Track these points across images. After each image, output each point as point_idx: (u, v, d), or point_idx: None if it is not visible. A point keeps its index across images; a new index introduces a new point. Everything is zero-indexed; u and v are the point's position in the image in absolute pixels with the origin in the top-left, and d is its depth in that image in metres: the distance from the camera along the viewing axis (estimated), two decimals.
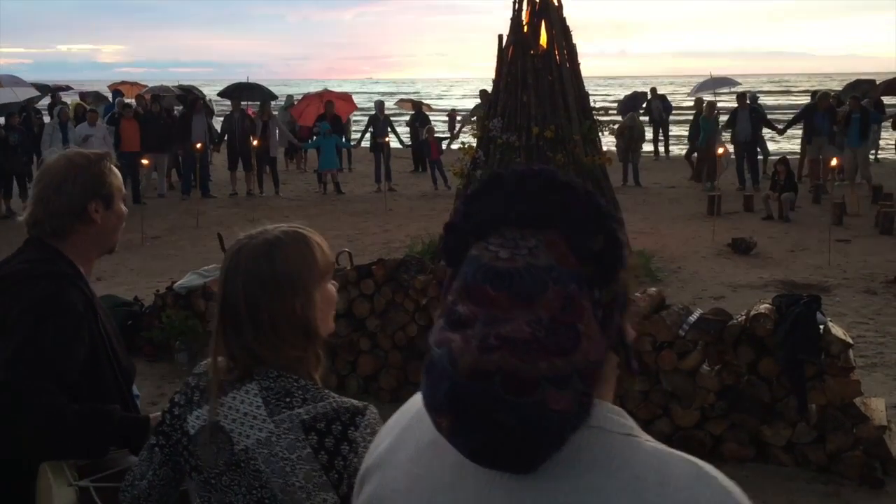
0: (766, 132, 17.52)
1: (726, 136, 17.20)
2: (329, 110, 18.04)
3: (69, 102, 21.01)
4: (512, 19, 8.77)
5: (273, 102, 20.91)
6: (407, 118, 22.86)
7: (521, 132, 8.45)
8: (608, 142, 12.06)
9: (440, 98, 71.64)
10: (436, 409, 1.00)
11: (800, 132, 17.76)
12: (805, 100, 24.01)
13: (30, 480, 2.10)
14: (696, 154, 17.98)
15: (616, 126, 15.76)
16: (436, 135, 19.03)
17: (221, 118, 18.70)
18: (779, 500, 4.61)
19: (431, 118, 21.19)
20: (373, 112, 19.47)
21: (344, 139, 18.70)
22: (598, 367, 0.98)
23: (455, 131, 21.80)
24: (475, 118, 13.90)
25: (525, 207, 1.02)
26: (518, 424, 0.94)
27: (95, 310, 2.31)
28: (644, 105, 22.66)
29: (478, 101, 18.71)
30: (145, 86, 26.62)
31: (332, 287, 1.86)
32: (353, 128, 23.38)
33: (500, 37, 8.84)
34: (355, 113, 23.55)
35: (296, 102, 21.99)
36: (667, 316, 5.32)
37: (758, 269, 10.17)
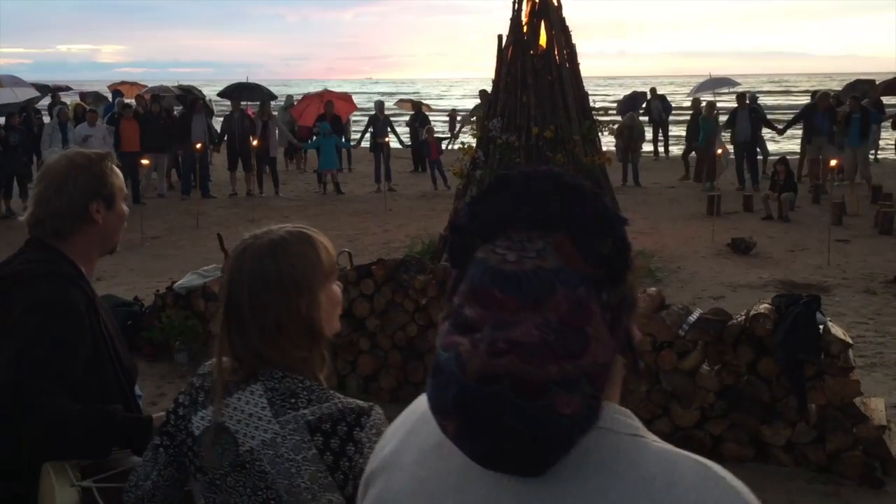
0: (766, 132, 17.53)
1: (726, 136, 17.20)
2: (329, 110, 18.04)
3: (68, 103, 21.02)
4: (511, 19, 8.77)
5: (273, 102, 20.92)
6: (406, 118, 22.87)
7: (521, 132, 8.45)
8: (607, 142, 12.07)
9: (440, 98, 71.64)
10: (442, 413, 0.99)
11: (799, 132, 17.77)
12: (805, 100, 24.02)
13: (32, 481, 2.09)
14: (693, 154, 18.02)
15: (616, 126, 15.79)
16: (436, 135, 19.04)
17: (221, 118, 18.70)
18: (778, 500, 4.61)
19: (431, 118, 21.20)
20: (373, 112, 19.48)
21: (343, 139, 18.71)
22: (606, 369, 0.98)
23: (455, 131, 21.81)
24: (475, 118, 13.91)
25: (532, 209, 1.01)
26: (527, 428, 0.94)
27: (97, 310, 2.31)
28: (644, 105, 22.67)
29: (477, 101, 18.73)
30: (145, 86, 26.63)
31: (336, 287, 1.86)
32: (353, 128, 23.38)
33: (500, 37, 8.84)
34: (355, 113, 23.55)
35: (295, 102, 22.00)
36: (666, 316, 5.33)
37: (757, 269, 10.18)
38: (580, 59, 8.94)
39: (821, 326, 4.99)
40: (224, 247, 7.42)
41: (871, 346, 7.22)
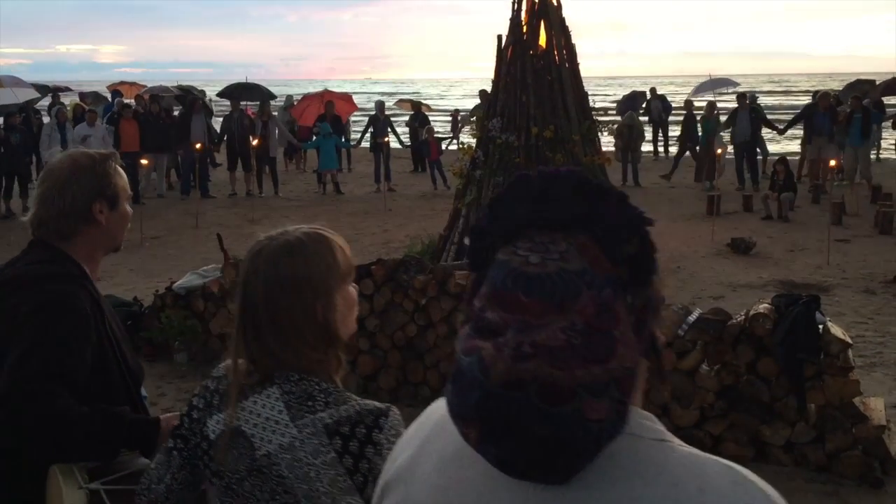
0: (767, 132, 17.54)
1: (727, 136, 17.21)
2: (329, 111, 18.04)
3: (67, 103, 21.01)
4: (511, 19, 8.77)
5: (272, 102, 20.92)
6: (406, 118, 22.88)
7: (521, 132, 8.45)
8: (607, 142, 12.09)
9: (440, 98, 71.65)
10: (464, 419, 0.96)
11: (799, 132, 17.78)
12: (805, 100, 24.03)
13: (40, 483, 2.08)
14: (687, 154, 18.09)
15: (615, 126, 15.79)
16: (436, 135, 19.05)
17: (220, 118, 18.71)
18: None
19: (431, 118, 21.21)
20: (372, 112, 19.49)
21: (343, 139, 18.71)
22: (633, 373, 0.96)
23: (455, 132, 21.83)
24: (474, 118, 13.91)
25: (555, 210, 0.99)
26: (553, 434, 0.91)
27: (102, 311, 2.29)
28: (644, 105, 22.68)
29: (478, 101, 18.74)
30: (144, 86, 26.63)
31: (352, 289, 1.84)
32: (353, 128, 23.38)
33: (500, 37, 8.84)
34: (355, 113, 23.55)
35: (295, 103, 22.00)
36: (666, 316, 5.33)
37: (757, 269, 10.18)
38: (580, 59, 8.94)
39: (820, 326, 4.99)
40: (223, 247, 7.43)
41: (871, 345, 7.22)
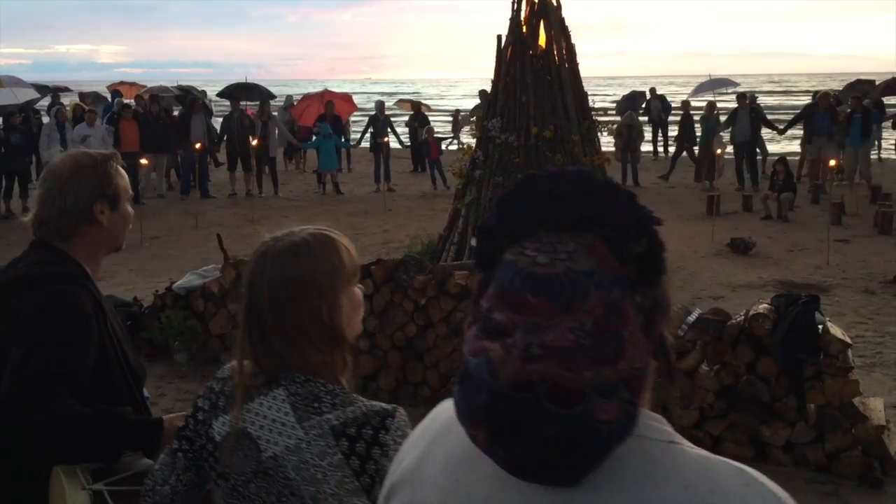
0: (767, 132, 17.55)
1: (726, 136, 17.21)
2: (329, 111, 18.05)
3: (66, 103, 21.00)
4: (511, 19, 8.77)
5: (272, 102, 20.92)
6: (406, 118, 22.88)
7: (520, 132, 8.45)
8: (607, 142, 12.08)
9: (440, 98, 71.65)
10: (472, 421, 0.96)
11: (798, 132, 17.79)
12: (805, 100, 24.03)
13: (43, 484, 2.08)
14: (684, 154, 18.12)
15: (615, 126, 15.78)
16: (435, 135, 19.05)
17: (220, 118, 18.70)
18: None
19: (430, 118, 21.21)
20: (372, 112, 19.49)
21: (343, 139, 18.71)
22: (642, 374, 0.95)
23: (456, 132, 21.85)
24: (474, 118, 13.90)
25: (563, 210, 0.98)
26: (563, 436, 0.91)
27: (104, 311, 2.29)
28: (643, 105, 22.68)
29: (477, 101, 18.74)
30: (144, 86, 26.62)
31: (358, 290, 1.84)
32: (353, 128, 23.38)
33: (499, 37, 8.85)
34: (355, 114, 23.55)
35: (295, 103, 22.00)
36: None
37: (757, 269, 10.18)
38: (579, 59, 8.94)
39: (820, 326, 4.99)
40: (223, 247, 7.43)
41: (871, 345, 7.22)
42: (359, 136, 20.37)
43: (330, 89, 22.62)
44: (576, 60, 8.90)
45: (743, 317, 5.23)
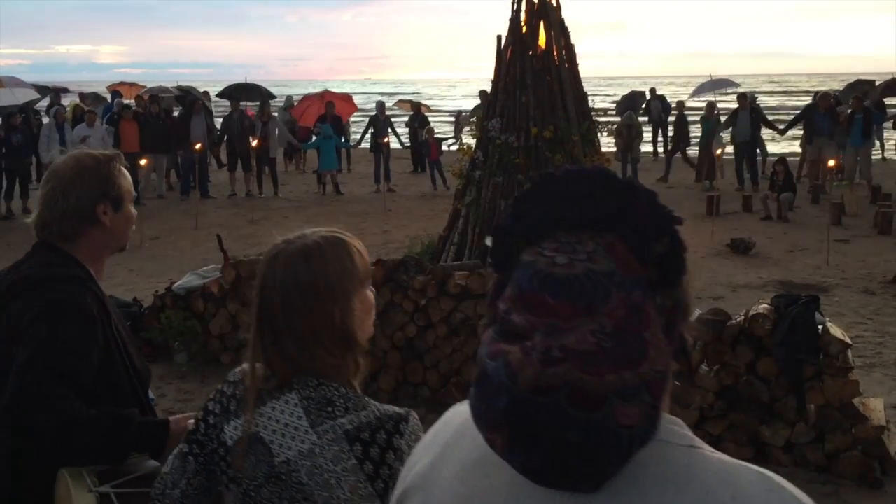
0: (767, 132, 17.55)
1: (726, 136, 17.22)
2: (329, 111, 18.05)
3: (66, 104, 20.99)
4: (511, 20, 8.76)
5: (272, 103, 20.91)
6: (406, 119, 22.89)
7: (520, 133, 8.44)
8: (608, 142, 12.06)
9: (440, 99, 71.66)
10: (490, 425, 0.94)
11: (798, 132, 17.79)
12: (805, 100, 24.03)
13: (48, 486, 2.07)
14: (678, 154, 18.17)
15: (614, 127, 15.78)
16: (436, 135, 19.06)
17: (220, 119, 18.71)
18: None
19: (430, 119, 21.21)
20: (372, 112, 19.50)
21: (343, 140, 18.72)
22: (664, 377, 0.93)
23: (458, 133, 21.87)
24: (474, 119, 13.89)
25: (582, 209, 0.96)
26: (584, 441, 0.89)
27: (108, 313, 2.28)
28: (643, 105, 22.69)
29: (478, 101, 18.74)
30: (144, 86, 26.60)
31: (370, 293, 1.82)
32: (353, 129, 23.38)
33: (499, 37, 8.84)
34: (355, 114, 23.54)
35: (295, 103, 22.00)
36: None
37: (756, 270, 10.18)
38: (580, 60, 8.93)
39: (820, 327, 4.99)
40: (223, 247, 7.43)
41: (870, 346, 7.22)
42: (359, 136, 20.37)
43: (330, 90, 22.63)
44: (576, 61, 8.90)
45: (743, 317, 5.23)
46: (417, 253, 8.58)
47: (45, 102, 23.09)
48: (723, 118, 17.18)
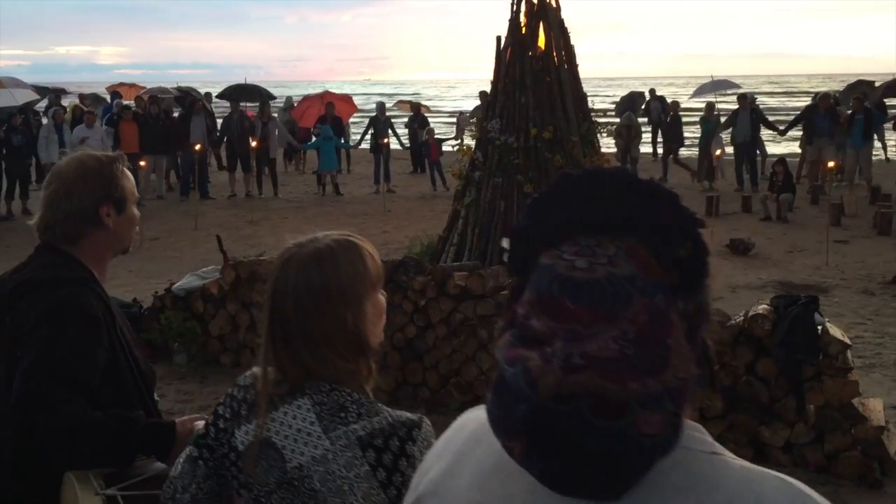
0: (767, 133, 17.56)
1: (726, 137, 17.23)
2: (330, 112, 18.05)
3: (66, 104, 20.99)
4: (510, 21, 8.77)
5: (271, 103, 20.91)
6: (405, 120, 22.90)
7: (520, 133, 8.44)
8: (608, 143, 12.08)
9: (439, 99, 71.66)
10: (508, 433, 0.92)
11: (798, 133, 17.80)
12: (805, 101, 24.05)
13: (55, 490, 2.05)
14: (671, 157, 18.23)
15: (614, 128, 15.80)
16: (436, 136, 19.07)
17: (220, 120, 18.70)
18: None
19: (430, 119, 21.22)
20: (372, 113, 19.50)
21: (343, 140, 18.72)
22: (687, 384, 0.91)
23: (460, 134, 21.89)
24: (474, 119, 13.91)
25: (602, 211, 0.94)
26: (605, 450, 0.87)
27: (113, 314, 2.26)
28: (643, 106, 22.70)
29: (478, 102, 18.76)
30: (144, 87, 26.62)
31: (381, 297, 1.81)
32: (353, 130, 23.38)
33: (498, 38, 8.85)
34: (355, 115, 23.53)
35: (295, 104, 21.99)
36: None
37: (756, 270, 10.18)
38: (579, 61, 8.94)
39: (819, 327, 4.99)
40: (223, 248, 7.43)
41: (870, 346, 7.23)
42: (359, 137, 20.37)
43: (330, 90, 22.63)
44: (575, 61, 8.90)
45: (742, 317, 5.23)
46: (417, 253, 8.59)
47: (44, 103, 23.10)
48: (723, 119, 17.19)
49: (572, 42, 8.88)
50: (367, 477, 1.61)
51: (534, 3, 8.68)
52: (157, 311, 7.13)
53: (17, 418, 1.99)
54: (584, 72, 9.09)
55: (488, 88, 9.29)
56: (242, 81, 23.79)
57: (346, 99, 21.57)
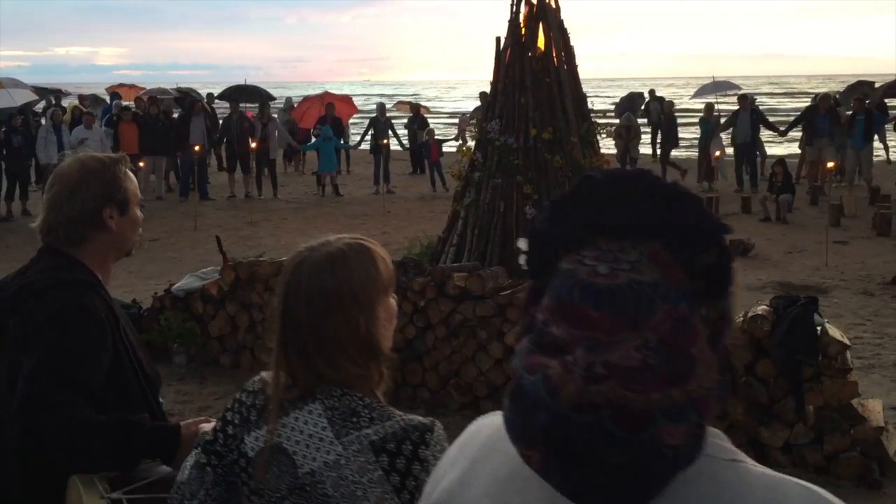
0: (767, 134, 17.57)
1: (727, 138, 17.24)
2: (330, 113, 18.06)
3: (66, 105, 20.99)
4: (510, 21, 8.77)
5: (271, 104, 20.91)
6: (405, 121, 22.91)
7: (519, 134, 8.44)
8: (609, 144, 12.08)
9: (438, 100, 71.67)
10: (527, 442, 0.90)
11: (797, 134, 17.81)
12: (805, 101, 24.06)
13: (59, 494, 2.04)
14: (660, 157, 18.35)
15: (613, 129, 15.81)
16: (437, 137, 19.08)
17: (219, 120, 18.70)
18: None
19: (429, 120, 21.23)
20: (372, 114, 19.51)
21: (343, 141, 18.72)
22: (711, 394, 0.89)
23: (457, 134, 21.90)
24: (474, 120, 13.91)
25: (624, 216, 0.92)
26: (627, 461, 0.85)
27: (117, 317, 2.25)
28: (643, 107, 22.72)
29: (478, 103, 18.77)
30: (143, 88, 26.61)
31: (393, 300, 1.80)
32: (352, 131, 23.39)
33: (498, 39, 8.85)
34: (355, 116, 23.53)
35: (294, 105, 21.99)
36: None
37: (755, 271, 10.18)
38: (579, 61, 8.94)
39: (818, 328, 4.99)
40: (222, 249, 7.43)
41: (869, 347, 7.23)
42: (358, 138, 20.38)
43: (330, 91, 22.63)
44: (575, 62, 8.90)
45: (742, 318, 5.23)
46: (416, 254, 8.58)
47: (42, 104, 23.10)
48: (723, 120, 17.20)
49: (572, 42, 8.88)
50: (380, 482, 1.60)
51: (533, 4, 8.68)
52: (156, 312, 7.13)
53: (21, 421, 1.98)
54: (583, 72, 9.10)
55: (488, 89, 9.30)
56: (242, 82, 23.80)
57: (346, 100, 21.59)
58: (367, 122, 20.05)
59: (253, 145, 16.23)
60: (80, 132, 15.25)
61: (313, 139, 17.93)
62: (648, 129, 21.30)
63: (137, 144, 15.72)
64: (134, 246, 2.41)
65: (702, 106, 18.88)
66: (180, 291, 7.11)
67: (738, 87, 23.34)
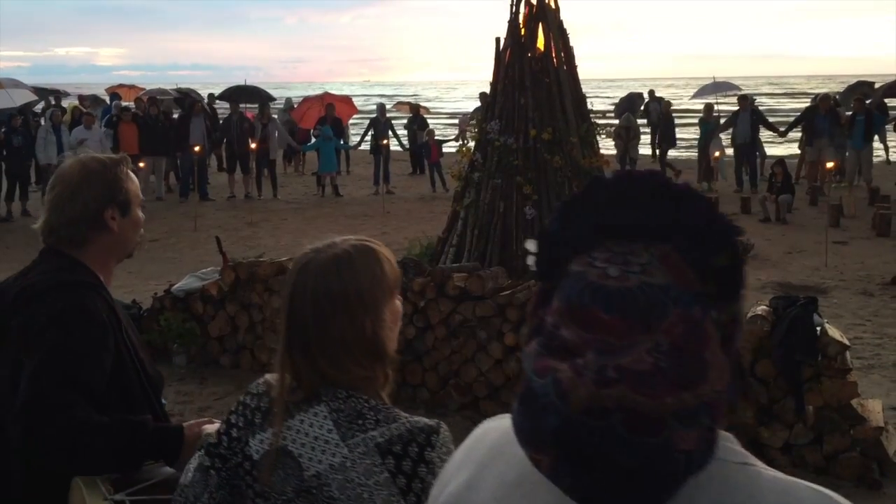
0: (768, 134, 17.58)
1: (726, 139, 17.24)
2: (330, 113, 18.06)
3: (65, 105, 20.99)
4: (509, 22, 8.77)
5: (271, 104, 20.90)
6: (405, 121, 22.91)
7: (519, 134, 8.44)
8: (608, 145, 12.08)
9: (438, 101, 71.67)
10: (537, 446, 0.89)
11: (797, 134, 17.81)
12: (805, 101, 24.06)
13: (62, 496, 2.04)
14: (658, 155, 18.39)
15: (613, 129, 15.81)
16: (437, 137, 19.09)
17: (219, 121, 18.70)
18: None
19: (429, 121, 21.23)
20: (372, 115, 19.51)
21: (342, 142, 18.72)
22: (723, 397, 0.89)
23: (458, 134, 21.90)
24: (474, 121, 13.91)
25: (635, 217, 0.91)
26: (638, 466, 0.84)
27: (119, 319, 2.25)
28: (642, 107, 22.73)
29: (478, 103, 18.77)
30: (143, 88, 26.60)
31: (398, 302, 1.80)
32: (352, 131, 23.39)
33: (498, 39, 8.85)
34: (355, 116, 23.53)
35: (294, 105, 21.99)
36: None
37: (755, 271, 10.18)
38: (579, 61, 8.95)
39: (818, 328, 5.00)
40: (222, 249, 7.43)
41: (869, 347, 7.23)
42: (358, 138, 20.38)
43: (330, 91, 22.63)
44: (574, 63, 8.91)
45: None
46: (416, 255, 8.59)
47: (41, 105, 23.08)
48: (722, 120, 17.21)
49: (571, 43, 8.89)
50: (386, 484, 1.59)
51: (533, 5, 8.69)
52: (156, 313, 7.13)
53: (23, 422, 1.98)
54: (583, 73, 9.10)
55: (488, 89, 9.30)
56: (242, 83, 23.79)
57: (346, 100, 21.59)
58: (366, 122, 20.05)
59: (253, 146, 16.23)
60: (79, 133, 15.25)
61: (313, 140, 17.93)
62: (648, 130, 21.32)
63: (137, 145, 15.73)
64: (135, 247, 2.41)
65: (701, 106, 18.90)
66: (180, 292, 7.12)
67: (738, 88, 23.36)
